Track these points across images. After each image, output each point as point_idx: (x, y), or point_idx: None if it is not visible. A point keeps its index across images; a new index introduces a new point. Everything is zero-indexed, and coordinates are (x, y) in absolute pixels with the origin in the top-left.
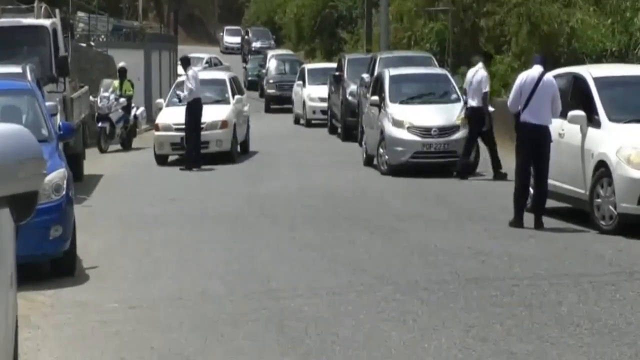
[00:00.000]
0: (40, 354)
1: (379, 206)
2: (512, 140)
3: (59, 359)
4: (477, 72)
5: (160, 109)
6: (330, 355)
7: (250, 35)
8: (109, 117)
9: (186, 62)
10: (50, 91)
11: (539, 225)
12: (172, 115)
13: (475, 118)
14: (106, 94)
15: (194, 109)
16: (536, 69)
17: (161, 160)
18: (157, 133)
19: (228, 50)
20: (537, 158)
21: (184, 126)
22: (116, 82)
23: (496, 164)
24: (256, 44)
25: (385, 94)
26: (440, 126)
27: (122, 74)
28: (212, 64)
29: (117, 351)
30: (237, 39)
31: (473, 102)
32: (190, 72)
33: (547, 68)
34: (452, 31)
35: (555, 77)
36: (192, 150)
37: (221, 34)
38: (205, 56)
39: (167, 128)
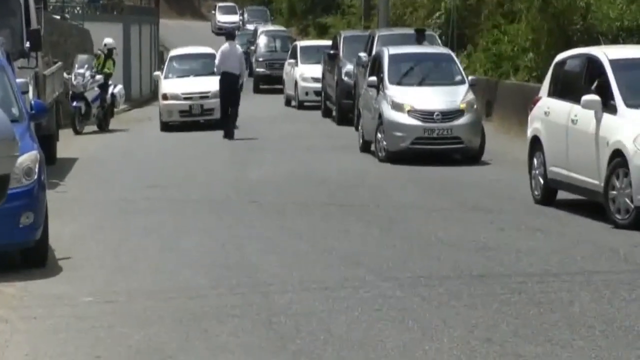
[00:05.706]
0: (8, 350)
1: (376, 194)
2: (520, 125)
3: (29, 355)
4: None
5: (157, 81)
6: (322, 355)
7: (245, 15)
8: (84, 96)
9: (228, 37)
10: (22, 67)
11: None
12: (179, 86)
13: None
14: (81, 71)
15: (220, 81)
16: None
17: (166, 127)
18: (165, 102)
19: (222, 31)
20: None
21: (191, 95)
22: (100, 59)
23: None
24: (250, 27)
25: (384, 75)
26: (443, 110)
27: (110, 51)
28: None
29: (91, 347)
30: (233, 18)
31: None
32: (222, 47)
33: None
34: (456, 6)
35: (568, 58)
36: (227, 120)
37: (213, 11)
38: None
39: (176, 97)
